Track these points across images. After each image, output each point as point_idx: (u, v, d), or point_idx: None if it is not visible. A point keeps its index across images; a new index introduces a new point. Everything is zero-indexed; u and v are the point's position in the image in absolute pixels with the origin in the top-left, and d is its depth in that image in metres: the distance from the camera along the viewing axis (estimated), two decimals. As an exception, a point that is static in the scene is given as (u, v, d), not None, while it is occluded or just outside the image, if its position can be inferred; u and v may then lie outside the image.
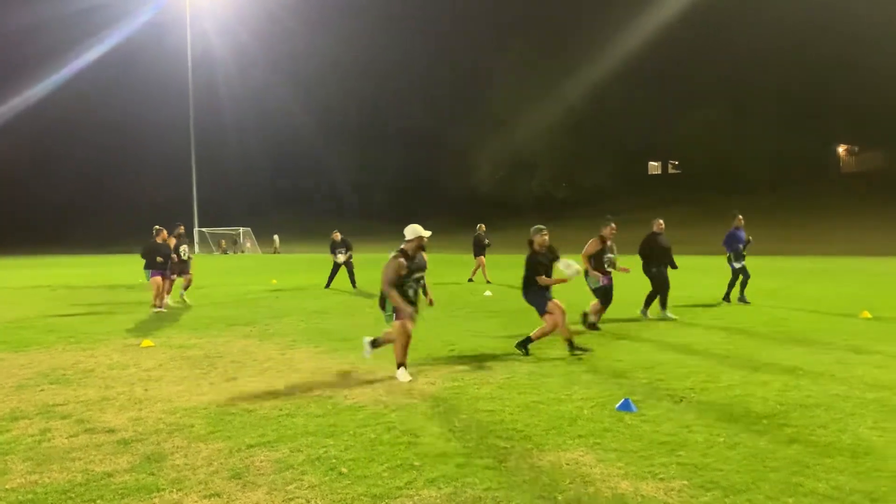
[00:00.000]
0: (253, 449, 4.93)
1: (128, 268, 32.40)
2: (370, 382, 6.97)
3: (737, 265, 13.48)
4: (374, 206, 76.28)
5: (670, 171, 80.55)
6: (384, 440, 5.08)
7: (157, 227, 14.18)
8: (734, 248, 13.51)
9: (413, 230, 7.29)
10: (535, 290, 8.41)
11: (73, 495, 4.11)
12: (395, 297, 7.04)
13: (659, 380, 6.88)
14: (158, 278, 13.63)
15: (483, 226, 20.84)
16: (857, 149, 70.62)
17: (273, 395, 6.51)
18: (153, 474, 4.43)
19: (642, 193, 66.23)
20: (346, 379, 7.18)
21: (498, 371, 7.43)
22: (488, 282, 19.55)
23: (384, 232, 64.09)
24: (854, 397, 6.09)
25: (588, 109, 65.47)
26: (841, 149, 71.54)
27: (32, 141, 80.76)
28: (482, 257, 20.24)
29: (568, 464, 4.54)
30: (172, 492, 4.15)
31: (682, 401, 6.05)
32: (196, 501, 4.02)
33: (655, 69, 63.95)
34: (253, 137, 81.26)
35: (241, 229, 60.37)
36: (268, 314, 13.11)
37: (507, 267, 26.17)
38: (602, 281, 10.45)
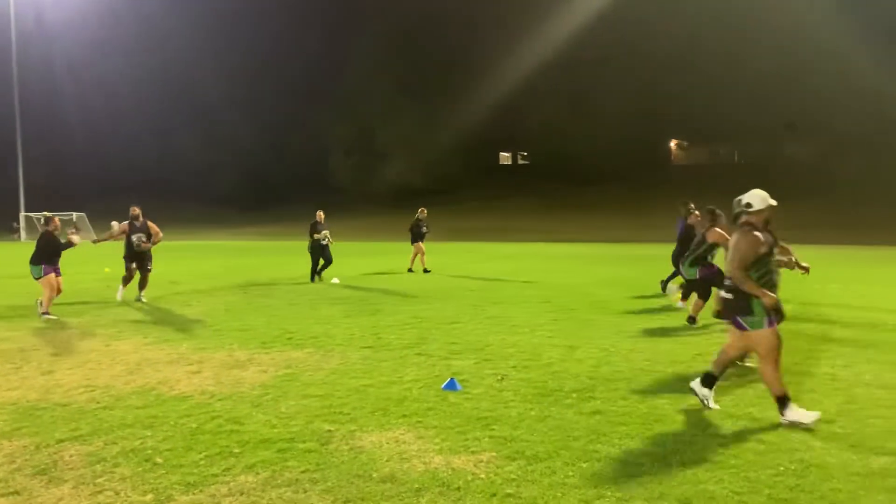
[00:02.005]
0: (63, 444, 4.71)
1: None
2: (197, 373, 6.81)
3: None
4: (222, 191, 73.31)
5: (520, 161, 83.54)
6: (206, 429, 5.02)
7: (46, 213, 11.75)
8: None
9: (761, 197, 5.31)
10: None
11: None
12: (753, 287, 5.06)
13: (486, 360, 7.23)
14: (52, 275, 10.95)
15: (424, 210, 19.56)
16: (686, 143, 76.53)
17: (91, 388, 6.22)
18: (-57, 476, 4.14)
19: (493, 184, 68.37)
20: (172, 370, 6.97)
21: (334, 357, 7.50)
22: (425, 270, 18.73)
23: (230, 219, 62.17)
24: (656, 371, 6.70)
25: (441, 99, 66.40)
26: (672, 143, 77.19)
27: None
28: (420, 244, 19.12)
29: (388, 443, 4.70)
30: (-36, 493, 3.90)
31: (502, 379, 6.40)
32: (-9, 501, 3.80)
33: (505, 59, 65.81)
34: (90, 113, 75.54)
35: (75, 214, 56.14)
36: (96, 304, 12.38)
37: (372, 254, 26.23)
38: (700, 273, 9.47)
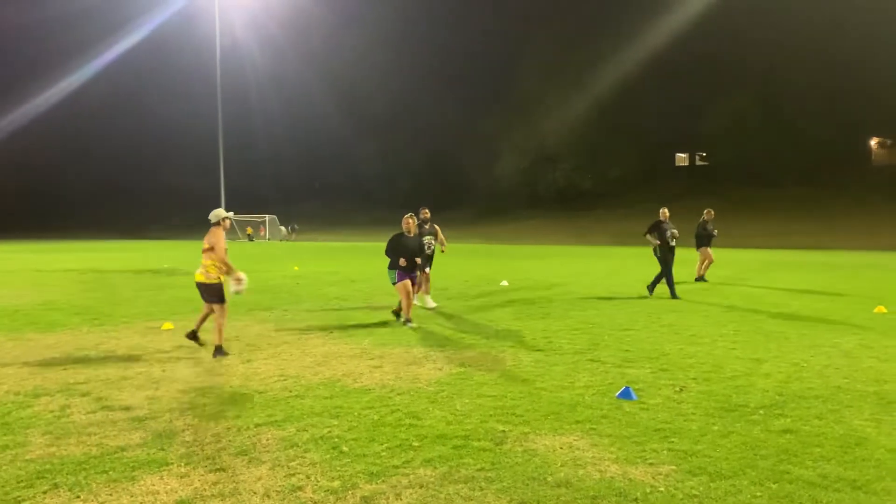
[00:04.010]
0: (260, 427, 5.13)
1: (155, 253, 33.04)
2: (378, 367, 7.15)
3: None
4: (400, 196, 76.51)
5: (698, 162, 79.65)
6: (387, 422, 5.25)
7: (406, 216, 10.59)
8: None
9: None
10: None
11: (87, 467, 4.34)
12: None
13: (663, 369, 6.98)
14: (407, 281, 10.09)
15: (711, 211, 17.41)
16: (889, 142, 69.28)
17: (284, 377, 6.73)
18: (163, 449, 4.65)
19: (668, 185, 65.70)
20: (356, 363, 7.37)
21: (506, 359, 7.57)
22: (699, 279, 16.78)
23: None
24: (854, 390, 6.13)
25: (614, 100, 64.90)
26: (873, 141, 70.20)
27: (68, 129, 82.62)
28: (707, 249, 16.92)
29: (562, 448, 4.67)
30: (180, 466, 4.36)
31: (682, 390, 6.14)
32: (202, 475, 4.21)
33: (683, 60, 63.17)
34: (281, 128, 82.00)
35: (267, 216, 60.95)
36: (287, 300, 13.37)
37: (541, 257, 26.28)
38: None
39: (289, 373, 6.94)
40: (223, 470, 4.31)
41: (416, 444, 4.75)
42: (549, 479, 4.12)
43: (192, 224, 63.90)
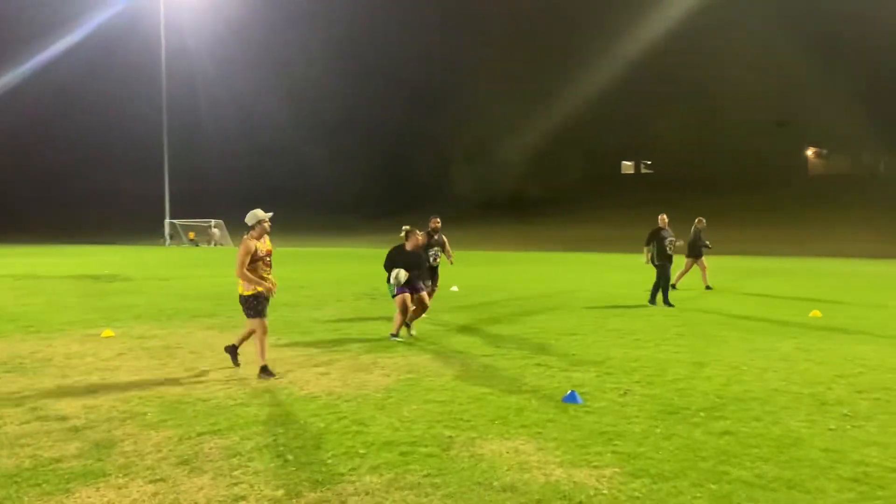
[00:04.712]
0: (203, 436, 5.02)
1: (95, 258, 32.10)
2: (326, 374, 7.08)
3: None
4: (351, 200, 76.08)
5: (643, 170, 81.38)
6: (333, 429, 5.20)
7: (406, 227, 9.77)
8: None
9: None
10: None
11: (18, 480, 4.18)
12: None
13: (608, 373, 7.08)
14: (406, 295, 9.38)
15: (702, 220, 17.10)
16: (825, 151, 71.91)
17: (228, 385, 6.61)
18: (101, 460, 4.51)
19: (614, 193, 66.92)
20: (303, 370, 7.28)
21: (455, 364, 7.58)
22: (707, 287, 16.54)
23: (357, 226, 64.14)
24: (791, 392, 6.33)
25: (562, 108, 65.91)
26: (809, 151, 72.79)
27: (4, 132, 79.51)
28: (701, 259, 16.56)
29: (508, 452, 4.69)
30: (119, 477, 4.24)
31: (626, 393, 6.25)
32: (141, 486, 4.10)
33: (630, 70, 64.54)
34: (230, 130, 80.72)
35: (213, 221, 59.81)
36: (232, 306, 13.11)
37: (482, 263, 26.42)
38: None
39: (233, 380, 6.81)
40: (163, 480, 4.20)
41: (362, 451, 4.71)
42: (495, 483, 4.14)
43: (135, 229, 62.44)
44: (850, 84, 55.21)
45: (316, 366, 7.49)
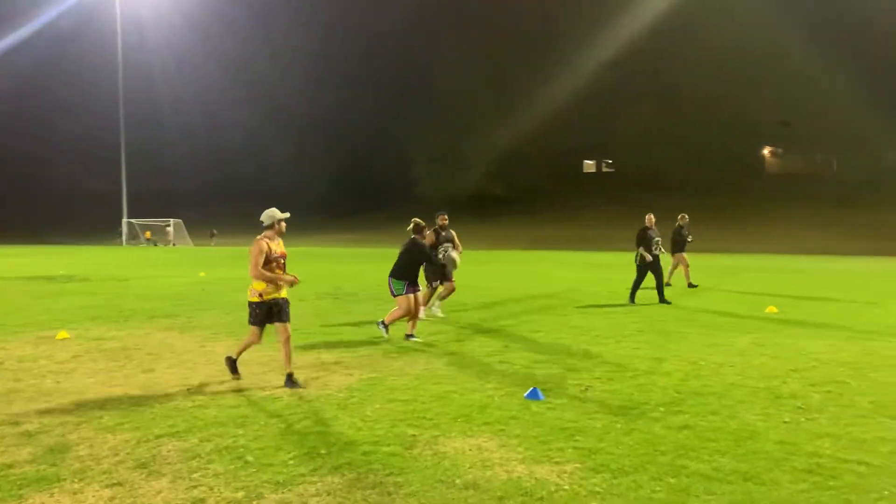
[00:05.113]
0: (161, 439, 4.94)
1: (50, 259, 31.36)
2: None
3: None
4: (315, 200, 75.55)
5: (604, 169, 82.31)
6: (295, 430, 5.16)
7: (416, 220, 9.68)
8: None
9: None
10: None
11: (-32, 486, 4.06)
12: None
13: (570, 370, 7.15)
14: (412, 296, 9.35)
15: (685, 216, 17.25)
16: (780, 150, 73.55)
17: (187, 386, 6.50)
18: (55, 465, 4.41)
19: (576, 191, 67.61)
20: (264, 371, 7.21)
21: (418, 363, 7.58)
22: (690, 285, 16.68)
23: (322, 226, 63.71)
24: (747, 386, 6.46)
25: (523, 107, 66.35)
26: (766, 150, 74.37)
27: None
28: (682, 255, 16.94)
29: (471, 449, 4.71)
30: (74, 482, 4.14)
31: (587, 389, 6.31)
32: (97, 491, 4.02)
33: (592, 69, 65.20)
34: (194, 128, 79.45)
35: (172, 221, 58.85)
36: (191, 307, 12.94)
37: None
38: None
39: (192, 382, 6.71)
40: (120, 484, 4.12)
41: (324, 451, 4.68)
42: (458, 481, 4.14)
43: (92, 228, 61.13)
44: (806, 85, 56.55)
45: (278, 366, 7.41)
